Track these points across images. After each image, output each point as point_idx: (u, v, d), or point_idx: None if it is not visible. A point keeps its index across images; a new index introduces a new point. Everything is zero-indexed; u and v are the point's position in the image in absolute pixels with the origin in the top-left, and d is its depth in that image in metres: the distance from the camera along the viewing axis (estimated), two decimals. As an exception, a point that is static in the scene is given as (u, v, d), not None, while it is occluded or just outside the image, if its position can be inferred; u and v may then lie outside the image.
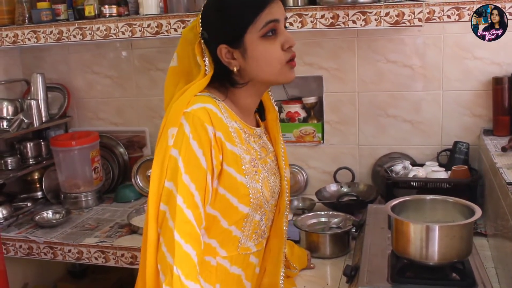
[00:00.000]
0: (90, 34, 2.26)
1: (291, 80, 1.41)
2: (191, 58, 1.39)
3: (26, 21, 2.39)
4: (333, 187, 2.39)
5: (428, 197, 1.54)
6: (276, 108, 1.55)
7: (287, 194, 1.54)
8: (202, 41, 1.37)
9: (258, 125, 1.52)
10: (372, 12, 1.91)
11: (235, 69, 1.36)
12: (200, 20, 1.37)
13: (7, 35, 2.37)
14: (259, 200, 1.39)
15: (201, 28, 1.37)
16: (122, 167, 2.75)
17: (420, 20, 1.88)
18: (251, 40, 1.33)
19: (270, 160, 1.49)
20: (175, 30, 2.16)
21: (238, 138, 1.38)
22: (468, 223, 1.36)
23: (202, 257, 1.33)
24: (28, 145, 2.58)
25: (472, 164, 2.21)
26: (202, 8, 1.40)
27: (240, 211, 1.37)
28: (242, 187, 1.36)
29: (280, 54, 1.35)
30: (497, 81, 2.14)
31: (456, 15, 2.15)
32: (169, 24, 2.14)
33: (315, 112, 2.46)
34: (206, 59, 1.36)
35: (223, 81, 1.40)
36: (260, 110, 1.54)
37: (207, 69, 1.36)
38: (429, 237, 1.34)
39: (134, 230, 2.19)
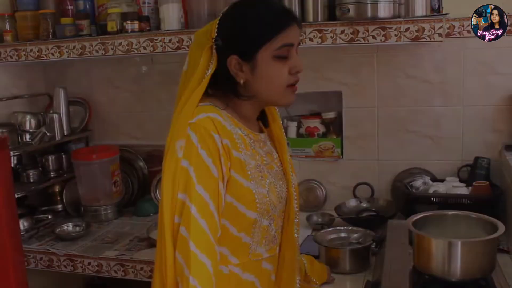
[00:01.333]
0: (112, 49, 2.29)
1: (291, 103, 1.43)
2: (197, 60, 1.39)
3: (50, 36, 2.43)
4: (352, 203, 2.37)
5: (450, 212, 1.53)
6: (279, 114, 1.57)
7: (295, 201, 1.53)
8: (214, 47, 1.38)
9: (261, 131, 1.53)
10: (392, 27, 1.91)
11: (241, 81, 1.38)
12: (217, 26, 1.38)
13: (31, 50, 2.41)
14: (265, 205, 1.39)
15: (216, 34, 1.37)
16: (142, 181, 2.76)
17: (440, 35, 1.87)
18: (263, 57, 1.35)
19: (276, 165, 1.50)
20: (196, 45, 2.17)
21: (243, 144, 1.38)
22: (491, 239, 1.35)
23: (217, 268, 1.33)
24: (50, 158, 2.61)
25: (494, 180, 2.18)
26: (220, 15, 1.40)
27: (248, 217, 1.37)
28: (248, 192, 1.36)
29: (286, 77, 1.37)
30: (519, 97, 2.13)
31: (477, 30, 2.15)
32: (190, 39, 2.15)
33: (334, 127, 2.46)
34: (211, 64, 1.37)
35: (226, 91, 1.42)
36: (263, 117, 1.55)
37: (207, 72, 1.36)
38: (451, 253, 1.33)
39: (154, 244, 2.17)
